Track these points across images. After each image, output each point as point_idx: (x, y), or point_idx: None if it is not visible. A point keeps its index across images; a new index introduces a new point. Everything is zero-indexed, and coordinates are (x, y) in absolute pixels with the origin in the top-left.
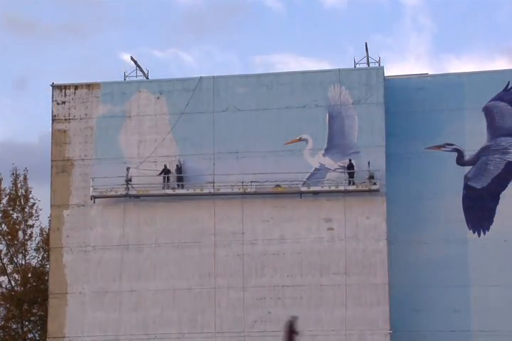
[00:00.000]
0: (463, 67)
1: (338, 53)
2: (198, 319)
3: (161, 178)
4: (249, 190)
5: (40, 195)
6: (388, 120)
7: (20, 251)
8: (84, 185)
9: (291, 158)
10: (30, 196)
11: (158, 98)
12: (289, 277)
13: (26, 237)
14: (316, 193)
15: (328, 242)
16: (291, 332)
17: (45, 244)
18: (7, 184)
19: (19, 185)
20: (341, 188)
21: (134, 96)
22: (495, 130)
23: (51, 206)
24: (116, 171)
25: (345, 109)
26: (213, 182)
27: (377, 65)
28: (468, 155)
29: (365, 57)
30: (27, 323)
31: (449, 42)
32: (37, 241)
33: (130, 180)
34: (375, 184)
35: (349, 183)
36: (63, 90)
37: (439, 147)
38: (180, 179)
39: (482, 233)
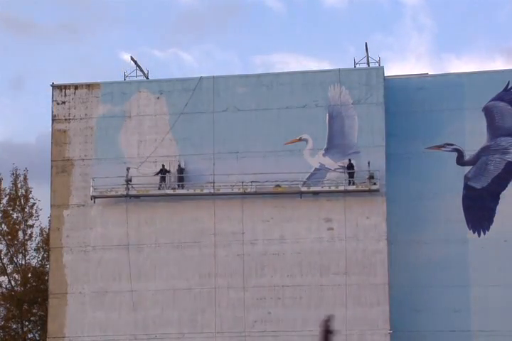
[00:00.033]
0: (463, 67)
1: (338, 53)
2: (198, 319)
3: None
4: (249, 190)
5: (40, 195)
6: (388, 120)
7: (20, 251)
8: (84, 185)
9: (291, 158)
10: (30, 196)
11: (158, 98)
12: (289, 277)
13: (26, 237)
14: (316, 193)
15: (328, 242)
16: (327, 331)
17: (45, 244)
18: (7, 184)
19: (19, 185)
20: (341, 188)
21: (134, 96)
22: (495, 130)
23: (51, 206)
24: (117, 171)
25: (345, 109)
26: (213, 182)
27: (377, 64)
28: (468, 155)
29: (365, 57)
30: (27, 323)
31: (450, 42)
32: (37, 241)
33: (130, 180)
34: (375, 184)
35: (349, 183)
36: (63, 90)
37: (439, 147)
38: (180, 179)
39: (482, 233)
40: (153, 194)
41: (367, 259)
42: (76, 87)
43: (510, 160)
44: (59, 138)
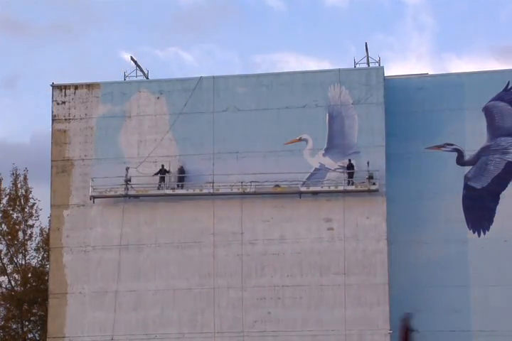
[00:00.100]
0: (464, 67)
1: (339, 52)
2: (197, 319)
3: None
4: (248, 190)
5: (40, 195)
6: (388, 120)
7: (20, 251)
8: (84, 185)
9: (291, 158)
10: (30, 196)
11: (158, 98)
12: (289, 277)
13: (26, 237)
14: (315, 193)
15: (328, 242)
16: (407, 329)
17: (45, 244)
18: (7, 184)
19: (19, 185)
20: (341, 188)
21: (134, 96)
22: (495, 130)
23: (51, 206)
24: (116, 171)
25: (345, 109)
26: (213, 183)
27: (377, 64)
28: (468, 155)
29: (365, 57)
30: (27, 323)
31: (450, 41)
32: (37, 241)
33: (129, 180)
34: (374, 184)
35: (348, 183)
36: (63, 90)
37: (439, 147)
38: (180, 179)
39: (482, 233)
40: (152, 194)
41: (367, 259)
42: (76, 87)
43: (510, 160)
44: (59, 138)
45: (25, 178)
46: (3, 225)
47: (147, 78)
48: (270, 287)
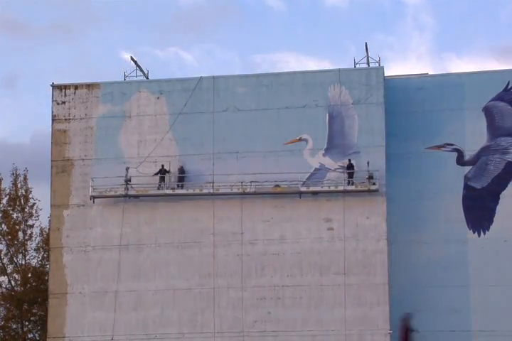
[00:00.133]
0: (464, 67)
1: (339, 52)
2: (198, 319)
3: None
4: (248, 190)
5: (40, 195)
6: (388, 120)
7: (20, 251)
8: (84, 185)
9: (291, 158)
10: (30, 196)
11: (158, 98)
12: (289, 277)
13: (26, 237)
14: (315, 193)
15: (328, 242)
16: (407, 329)
17: (45, 244)
18: (7, 184)
19: (19, 185)
20: (341, 188)
21: (134, 96)
22: (495, 130)
23: (51, 206)
24: (116, 171)
25: (345, 109)
26: (213, 183)
27: (377, 64)
28: (468, 155)
29: (365, 57)
30: (27, 323)
31: (451, 41)
32: (37, 241)
33: (129, 180)
34: (374, 184)
35: (348, 183)
36: (63, 90)
37: (439, 147)
38: (180, 179)
39: (482, 233)
40: (152, 194)
41: (367, 259)
42: (76, 87)
43: (510, 160)
44: (59, 138)
45: (25, 178)
46: (3, 225)
47: (147, 78)
48: (270, 287)
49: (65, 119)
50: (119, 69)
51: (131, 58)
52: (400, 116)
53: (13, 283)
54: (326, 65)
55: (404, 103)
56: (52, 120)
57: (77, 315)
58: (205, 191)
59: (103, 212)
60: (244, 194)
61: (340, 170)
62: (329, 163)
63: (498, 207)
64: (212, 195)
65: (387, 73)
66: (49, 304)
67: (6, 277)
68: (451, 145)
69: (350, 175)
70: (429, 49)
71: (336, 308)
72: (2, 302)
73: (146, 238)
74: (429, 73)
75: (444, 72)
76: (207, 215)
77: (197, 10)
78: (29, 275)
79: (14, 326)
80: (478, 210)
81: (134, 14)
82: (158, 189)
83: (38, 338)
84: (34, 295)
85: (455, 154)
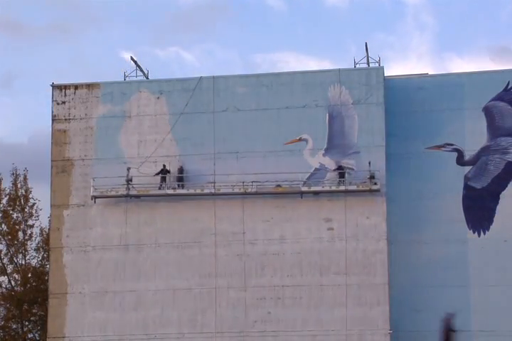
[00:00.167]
0: (464, 66)
1: (339, 52)
2: (198, 319)
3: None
4: (249, 190)
5: (40, 195)
6: (388, 120)
7: (20, 251)
8: (84, 185)
9: (291, 158)
10: (30, 196)
11: (158, 98)
12: (289, 277)
13: (26, 237)
14: (316, 193)
15: (328, 242)
16: (448, 330)
17: (45, 244)
18: (7, 184)
19: (19, 185)
20: (342, 188)
21: (134, 96)
22: (495, 130)
23: (51, 206)
24: (117, 171)
25: (345, 109)
26: (214, 183)
27: (377, 64)
28: (468, 155)
29: (365, 57)
30: (27, 323)
31: (451, 41)
32: (37, 241)
33: (130, 180)
34: (375, 184)
35: (338, 183)
36: (63, 90)
37: (439, 147)
38: (180, 179)
39: (482, 233)
40: (153, 194)
41: (367, 259)
42: (76, 87)
43: (510, 160)
44: (59, 138)
45: (25, 178)
46: (3, 225)
47: (147, 78)
48: (270, 287)
49: (65, 119)
50: (119, 69)
51: (131, 58)
52: (400, 116)
53: (13, 283)
54: (326, 65)
55: (404, 103)
56: (52, 120)
57: (77, 315)
58: (206, 191)
59: (103, 212)
60: (245, 194)
61: (340, 170)
62: (329, 163)
63: (498, 207)
64: (213, 195)
65: (388, 73)
66: (49, 304)
67: (6, 277)
68: (451, 145)
69: (342, 175)
70: (430, 49)
71: (336, 308)
72: (2, 302)
73: (147, 238)
74: (429, 73)
75: (444, 72)
76: (208, 215)
77: (197, 9)
78: (29, 275)
79: (14, 326)
80: (478, 210)
81: (134, 14)
82: (159, 189)
83: (38, 338)
84: (34, 295)
85: (455, 154)
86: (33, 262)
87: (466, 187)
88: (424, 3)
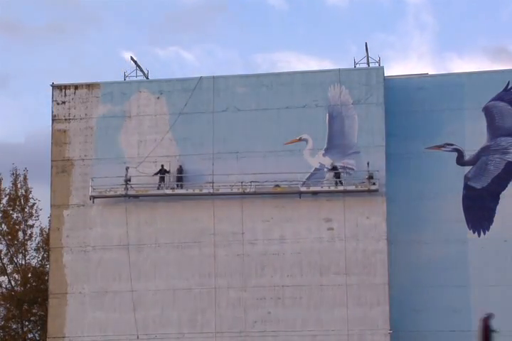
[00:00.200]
0: (465, 66)
1: (340, 52)
2: (198, 319)
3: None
4: (248, 190)
5: (40, 195)
6: (388, 120)
7: (20, 251)
8: (84, 185)
9: (291, 158)
10: (30, 196)
11: (158, 98)
12: (289, 277)
13: (26, 237)
14: (315, 193)
15: (328, 242)
16: (487, 329)
17: (45, 244)
18: (7, 184)
19: (19, 185)
20: (340, 188)
21: (134, 96)
22: (495, 130)
23: (51, 206)
24: (116, 171)
25: (345, 109)
26: (213, 183)
27: (377, 64)
28: (468, 155)
29: (365, 57)
30: (27, 323)
31: (452, 40)
32: (37, 241)
33: (129, 180)
34: (374, 184)
35: (336, 184)
36: (63, 90)
37: (439, 147)
38: (179, 179)
39: (482, 233)
40: (152, 194)
41: (367, 259)
42: (76, 87)
43: (510, 160)
44: (59, 138)
45: (25, 178)
46: (3, 225)
47: (147, 78)
48: (270, 287)
49: (65, 119)
50: (119, 69)
51: (131, 58)
52: (400, 116)
53: (13, 283)
54: (326, 65)
55: (404, 103)
56: (52, 120)
57: (77, 315)
58: (205, 191)
59: (103, 212)
60: (244, 194)
61: (341, 170)
62: (329, 163)
63: (498, 207)
64: (212, 195)
65: (389, 73)
66: (49, 304)
67: (6, 277)
68: (451, 145)
69: (337, 176)
70: (430, 48)
71: (336, 308)
72: (2, 302)
73: (146, 238)
74: (429, 73)
75: (444, 72)
76: (207, 215)
77: (197, 9)
78: (29, 275)
79: (14, 326)
80: (478, 210)
81: (134, 14)
82: (158, 189)
83: (38, 338)
84: (34, 295)
85: (455, 154)
86: (33, 262)
87: (466, 187)
88: (425, 2)
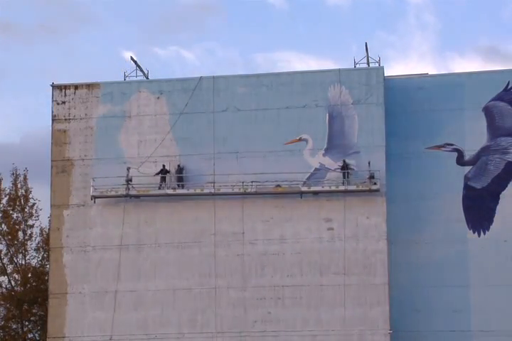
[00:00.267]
0: (466, 66)
1: (340, 51)
2: (198, 319)
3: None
4: (249, 190)
5: (40, 195)
6: (388, 120)
7: (20, 251)
8: (84, 185)
9: (291, 158)
10: (30, 196)
11: (158, 98)
12: (289, 277)
13: (26, 237)
14: (316, 193)
15: (328, 242)
16: None
17: (45, 244)
18: (7, 184)
19: (19, 185)
20: (341, 188)
21: (134, 96)
22: (495, 130)
23: (51, 206)
24: (117, 171)
25: (345, 109)
26: (213, 182)
27: (377, 64)
28: (468, 155)
29: (365, 57)
30: (27, 323)
31: (453, 40)
32: (37, 241)
33: (130, 180)
34: (375, 184)
35: (343, 183)
36: (63, 90)
37: (439, 147)
38: (180, 179)
39: (482, 233)
40: (153, 194)
41: (367, 259)
42: (76, 87)
43: (510, 160)
44: (59, 138)
45: (25, 178)
46: (3, 225)
47: (147, 78)
48: (270, 287)
49: (65, 119)
50: (119, 69)
51: (131, 58)
52: (400, 116)
53: (13, 283)
54: (327, 64)
55: (404, 103)
56: (52, 120)
57: (77, 315)
58: (205, 191)
59: (103, 212)
60: (245, 194)
61: (339, 171)
62: (329, 163)
63: (498, 207)
64: (213, 194)
65: (389, 72)
66: (49, 304)
67: (6, 277)
68: (451, 145)
69: (345, 175)
70: (431, 48)
71: (336, 308)
72: (2, 302)
73: (147, 238)
74: (430, 73)
75: (445, 72)
76: (207, 215)
77: (198, 8)
78: (29, 275)
79: (14, 326)
80: (478, 210)
81: (134, 13)
82: (159, 189)
83: (38, 338)
84: (34, 295)
85: (455, 154)
86: (33, 262)
87: (466, 187)
88: (426, 2)
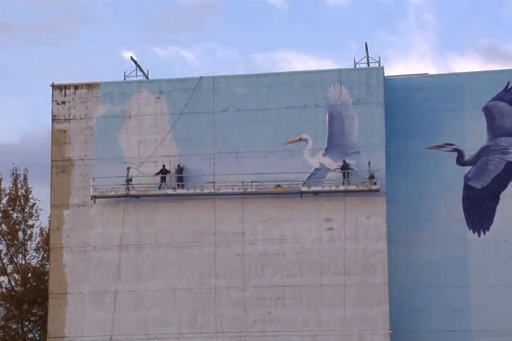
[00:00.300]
0: (466, 65)
1: (340, 51)
2: (198, 319)
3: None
4: (249, 190)
5: (40, 195)
6: (388, 120)
7: (20, 251)
8: (84, 185)
9: (291, 158)
10: (30, 196)
11: (158, 98)
12: (289, 277)
13: (26, 237)
14: (316, 193)
15: (328, 242)
16: None
17: (45, 244)
18: (7, 184)
19: (19, 185)
20: (341, 188)
21: (134, 96)
22: (495, 130)
23: (51, 206)
24: (117, 171)
25: (345, 109)
26: (213, 182)
27: (377, 64)
28: (468, 155)
29: (365, 57)
30: (27, 323)
31: (453, 40)
32: (37, 241)
33: (130, 180)
34: (375, 184)
35: (343, 183)
36: (63, 90)
37: (439, 147)
38: (180, 179)
39: (482, 233)
40: (153, 194)
41: (367, 259)
42: (76, 87)
43: (510, 160)
44: (59, 138)
45: (25, 178)
46: (3, 225)
47: (147, 78)
48: (270, 287)
49: (65, 119)
50: (119, 69)
51: (131, 58)
52: (400, 116)
53: (13, 283)
54: (327, 64)
55: (404, 103)
56: (52, 120)
57: (77, 315)
58: (206, 191)
59: (103, 212)
60: (245, 194)
61: (339, 171)
62: (329, 163)
63: (498, 207)
64: (213, 194)
65: (389, 72)
66: (49, 304)
67: (6, 277)
68: (451, 145)
69: (345, 175)
70: (432, 48)
71: (336, 308)
72: (2, 302)
73: (147, 238)
74: (430, 73)
75: (445, 72)
76: (207, 215)
77: (198, 8)
78: (29, 275)
79: (14, 326)
80: (478, 210)
81: (135, 13)
82: (159, 189)
83: (38, 338)
84: (34, 295)
85: (455, 154)
86: (33, 262)
87: (466, 187)
88: (426, 2)
